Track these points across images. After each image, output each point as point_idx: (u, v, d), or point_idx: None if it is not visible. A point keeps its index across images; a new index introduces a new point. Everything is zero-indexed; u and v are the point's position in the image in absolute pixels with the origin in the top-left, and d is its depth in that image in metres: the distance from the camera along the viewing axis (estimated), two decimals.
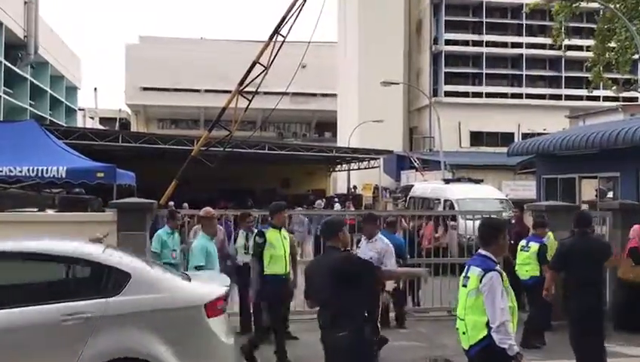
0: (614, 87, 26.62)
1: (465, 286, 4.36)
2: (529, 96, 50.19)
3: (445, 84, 49.38)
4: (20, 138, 12.96)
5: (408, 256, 9.96)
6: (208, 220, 7.77)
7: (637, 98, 32.90)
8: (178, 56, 66.15)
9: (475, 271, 4.28)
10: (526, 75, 50.56)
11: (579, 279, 6.47)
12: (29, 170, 12.09)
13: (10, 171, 12.00)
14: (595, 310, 6.41)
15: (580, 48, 41.00)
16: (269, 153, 33.75)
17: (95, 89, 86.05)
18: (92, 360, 4.91)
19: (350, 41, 55.05)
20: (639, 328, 8.83)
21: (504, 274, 4.30)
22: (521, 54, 50.28)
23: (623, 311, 9.15)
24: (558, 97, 50.23)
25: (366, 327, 4.65)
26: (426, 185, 23.92)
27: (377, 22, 50.12)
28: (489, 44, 49.84)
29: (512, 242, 8.56)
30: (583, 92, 43.36)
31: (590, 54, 23.73)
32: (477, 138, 48.47)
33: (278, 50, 16.07)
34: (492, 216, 10.68)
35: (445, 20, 49.26)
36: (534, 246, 8.42)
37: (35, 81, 37.98)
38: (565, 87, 50.42)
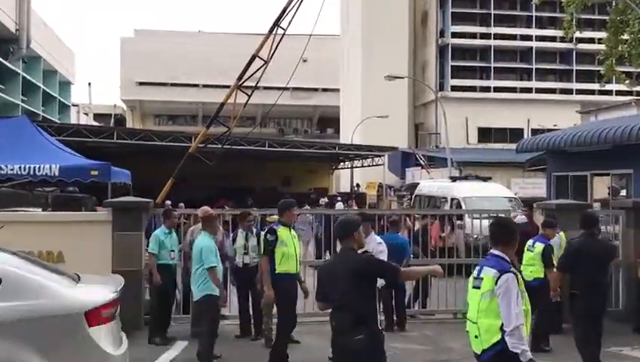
0: (627, 81, 26.54)
1: (477, 287, 4.32)
2: (539, 90, 50.10)
3: (452, 78, 49.29)
4: (12, 135, 12.97)
5: (412, 256, 9.96)
6: (209, 220, 7.76)
7: None
8: (175, 50, 66.18)
9: (489, 273, 4.24)
10: (536, 68, 50.45)
11: (586, 279, 6.74)
12: (20, 168, 12.10)
13: (1, 169, 12.02)
14: (602, 310, 6.83)
15: (591, 41, 40.90)
16: (269, 150, 33.73)
17: (89, 84, 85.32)
18: None
19: (353, 34, 54.99)
20: None
21: (519, 275, 4.30)
22: (531, 47, 50.17)
23: None
24: (569, 92, 50.12)
25: (381, 330, 4.74)
26: (432, 183, 23.89)
27: (381, 13, 50.06)
28: (497, 36, 49.73)
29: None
30: (595, 86, 43.22)
31: (602, 47, 23.66)
32: (485, 134, 48.40)
33: (279, 43, 16.04)
34: (500, 215, 10.68)
35: (452, 12, 49.15)
36: (539, 246, 8.42)
37: (27, 76, 37.98)
38: (576, 81, 50.30)
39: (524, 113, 46.81)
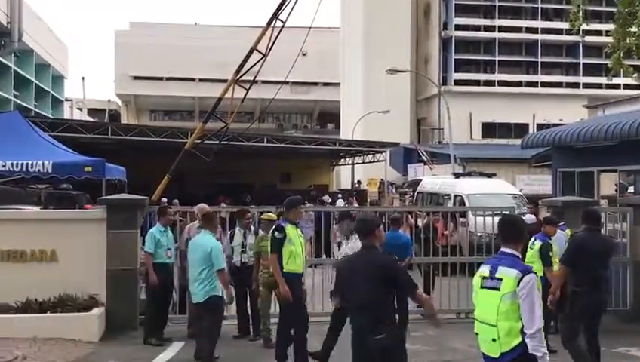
0: (635, 75, 26.47)
1: (495, 288, 4.21)
2: (544, 84, 50.08)
3: (455, 71, 49.27)
4: (4, 131, 12.97)
5: (414, 255, 9.97)
6: (210, 218, 7.73)
7: None
8: (171, 43, 66.10)
9: (510, 273, 4.17)
10: (541, 61, 50.42)
11: (587, 275, 6.88)
12: (12, 164, 12.10)
13: None
14: (600, 308, 6.99)
15: (598, 33, 40.86)
16: (267, 146, 33.67)
17: (83, 78, 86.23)
18: None
19: (354, 26, 54.92)
20: None
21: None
22: (536, 40, 50.13)
23: None
24: (575, 85, 50.11)
25: (401, 330, 4.86)
26: (434, 179, 23.90)
27: (383, 5, 49.99)
28: (502, 29, 49.69)
29: None
30: (602, 80, 43.23)
31: (610, 39, 23.59)
32: (489, 129, 48.40)
33: (277, 36, 16.02)
34: (505, 212, 10.68)
35: (455, 4, 49.12)
36: (537, 244, 8.44)
37: (19, 71, 37.99)
38: (583, 75, 50.30)
39: (529, 108, 46.79)
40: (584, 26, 24.90)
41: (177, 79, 67.72)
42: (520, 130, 42.34)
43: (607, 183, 14.21)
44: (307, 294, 7.86)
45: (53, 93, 47.57)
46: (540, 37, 49.94)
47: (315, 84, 69.53)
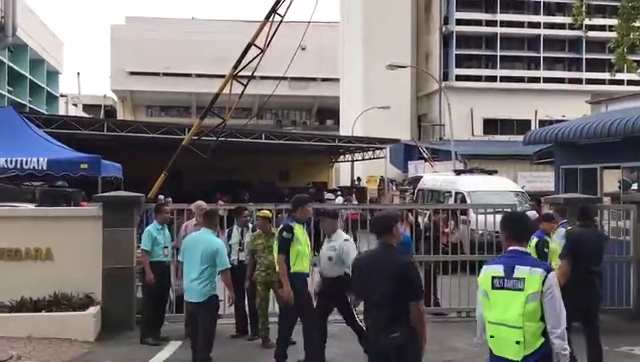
0: (639, 70, 26.51)
1: (518, 289, 4.11)
2: (547, 80, 50.08)
3: (456, 67, 49.26)
4: None
5: (414, 254, 9.96)
6: (211, 215, 7.69)
7: None
8: (167, 38, 66.06)
9: (535, 272, 4.11)
10: (544, 57, 50.42)
11: (583, 271, 7.05)
12: (7, 161, 12.09)
13: None
14: (594, 302, 7.18)
15: (602, 28, 40.83)
16: (266, 143, 33.70)
17: (78, 74, 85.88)
18: None
19: (353, 21, 54.89)
20: None
21: None
22: (539, 35, 50.12)
23: None
24: (578, 81, 50.12)
25: (414, 329, 4.83)
26: (435, 176, 23.93)
27: (383, 0, 49.95)
28: (504, 23, 49.67)
29: None
30: (606, 75, 43.18)
31: (613, 34, 23.56)
32: (490, 126, 48.41)
33: (276, 30, 16.00)
34: (506, 209, 10.68)
35: None
36: (534, 240, 8.45)
37: (13, 66, 37.94)
38: (586, 71, 50.31)
39: (531, 104, 46.80)
40: (587, 21, 24.87)
41: (174, 75, 67.69)
42: (522, 126, 42.33)
43: (611, 180, 14.20)
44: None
45: (48, 89, 47.55)
46: (542, 32, 49.94)
47: (314, 79, 69.52)
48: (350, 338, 8.04)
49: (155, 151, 25.20)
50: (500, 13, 49.71)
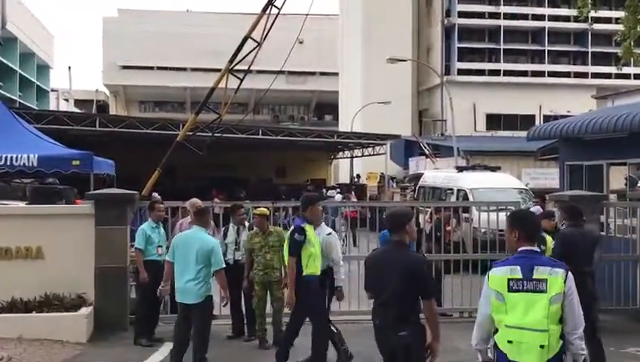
0: None
1: (540, 291, 4.05)
2: (551, 74, 50.09)
3: (458, 61, 49.26)
4: None
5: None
6: (203, 213, 7.66)
7: None
8: (161, 31, 65.98)
9: (556, 273, 4.09)
10: (548, 50, 50.43)
11: (579, 270, 6.97)
12: None
13: None
14: (595, 299, 7.32)
15: (608, 20, 40.84)
16: (262, 139, 33.69)
17: (69, 68, 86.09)
18: None
19: (353, 13, 54.84)
20: None
21: None
22: (543, 27, 50.12)
23: None
24: (583, 75, 50.13)
25: (421, 328, 4.94)
26: (437, 173, 23.94)
27: None
28: (507, 16, 49.66)
29: None
30: (612, 69, 43.20)
31: (620, 27, 23.56)
32: (494, 121, 48.44)
33: (273, 23, 15.99)
34: (510, 207, 10.69)
35: None
36: None
37: (2, 60, 37.90)
38: (592, 64, 50.31)
39: (535, 98, 46.83)
40: (593, 13, 24.86)
41: (168, 69, 67.64)
42: (526, 121, 42.36)
43: (617, 177, 14.21)
44: None
45: (39, 84, 47.51)
46: (546, 24, 49.92)
47: (313, 73, 69.49)
48: (350, 339, 8.05)
49: (149, 148, 25.17)
50: (504, 5, 49.71)
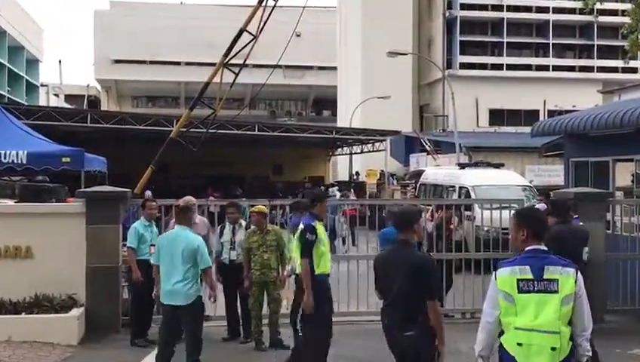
0: None
1: (552, 291, 4.03)
2: (556, 68, 50.08)
3: (461, 54, 49.21)
4: None
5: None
6: (185, 211, 7.39)
7: None
8: (154, 24, 65.88)
9: (567, 272, 4.08)
10: (553, 43, 50.41)
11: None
12: None
13: None
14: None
15: (614, 13, 40.89)
16: (259, 135, 33.71)
17: (60, 62, 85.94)
18: None
19: (352, 6, 54.79)
20: None
21: None
22: (548, 20, 50.10)
23: None
24: (589, 69, 50.14)
25: (429, 328, 4.99)
26: (438, 170, 23.96)
27: None
28: (511, 8, 49.60)
29: None
30: (619, 63, 43.27)
31: (626, 20, 23.61)
32: (497, 116, 48.44)
33: (269, 16, 15.98)
34: (513, 204, 10.70)
35: None
36: None
37: None
38: (598, 58, 50.31)
39: (539, 93, 46.80)
40: (598, 5, 24.88)
41: (162, 63, 67.50)
42: (530, 116, 42.36)
43: (623, 173, 14.23)
44: None
45: (28, 78, 47.45)
46: (551, 17, 49.89)
47: (310, 67, 69.42)
48: (350, 341, 8.06)
49: (142, 144, 25.19)
50: None
